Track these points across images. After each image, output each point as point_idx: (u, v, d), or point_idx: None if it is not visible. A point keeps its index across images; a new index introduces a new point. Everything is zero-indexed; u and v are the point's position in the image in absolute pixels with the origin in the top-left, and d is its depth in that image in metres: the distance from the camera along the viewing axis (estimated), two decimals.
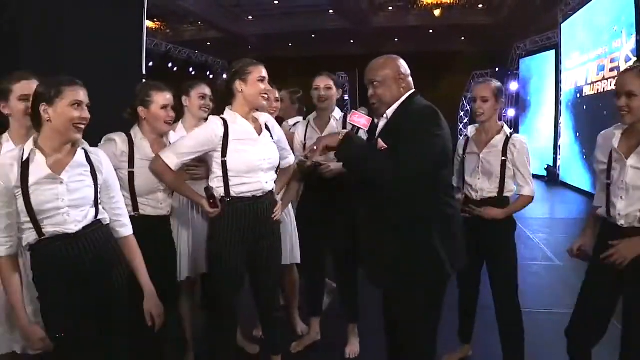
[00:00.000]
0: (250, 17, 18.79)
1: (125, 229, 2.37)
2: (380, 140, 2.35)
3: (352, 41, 21.21)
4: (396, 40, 20.95)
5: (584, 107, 11.12)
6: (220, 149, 2.71)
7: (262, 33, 19.88)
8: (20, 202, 2.04)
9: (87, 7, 3.73)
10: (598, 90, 10.31)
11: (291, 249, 3.52)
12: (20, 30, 3.18)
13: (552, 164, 13.73)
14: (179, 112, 3.28)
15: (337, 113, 3.54)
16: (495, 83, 3.19)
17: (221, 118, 2.78)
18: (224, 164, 2.71)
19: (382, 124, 2.49)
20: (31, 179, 2.04)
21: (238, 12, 18.03)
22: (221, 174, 2.73)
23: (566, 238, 7.22)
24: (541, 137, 14.55)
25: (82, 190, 2.15)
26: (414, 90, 2.49)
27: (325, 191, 3.35)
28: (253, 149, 2.76)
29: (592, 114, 10.62)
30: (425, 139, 2.24)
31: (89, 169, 2.19)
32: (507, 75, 16.39)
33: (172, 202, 2.91)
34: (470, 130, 3.35)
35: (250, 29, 19.59)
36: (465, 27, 18.23)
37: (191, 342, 3.36)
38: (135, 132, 2.76)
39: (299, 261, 3.60)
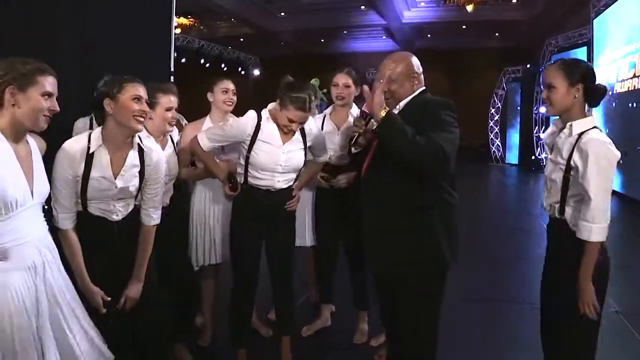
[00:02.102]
0: (282, 14, 18.95)
1: (151, 220, 2.58)
2: None
3: (383, 37, 21.19)
4: (429, 36, 20.86)
5: (614, 104, 10.96)
6: (248, 144, 2.95)
7: (294, 29, 20.04)
8: (79, 188, 2.35)
9: (117, 4, 3.89)
10: (629, 88, 10.14)
11: (308, 232, 3.72)
12: (53, 30, 3.35)
13: None
14: (206, 106, 3.52)
15: (355, 110, 3.65)
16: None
17: (258, 115, 2.99)
18: (247, 158, 2.97)
19: None
20: (92, 173, 2.34)
21: (271, 8, 18.21)
22: (244, 163, 3.00)
23: None
24: None
25: (130, 188, 2.45)
26: (424, 87, 2.60)
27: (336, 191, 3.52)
28: (273, 153, 2.96)
29: (623, 111, 10.47)
30: (452, 128, 2.33)
31: (139, 168, 2.48)
32: (539, 72, 16.13)
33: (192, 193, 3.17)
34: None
35: (282, 25, 19.76)
36: (498, 23, 18.04)
37: (211, 323, 3.62)
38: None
39: (314, 244, 3.76)
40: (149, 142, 2.57)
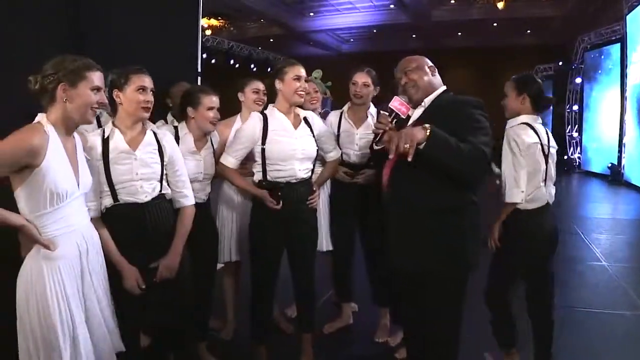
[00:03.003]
0: (311, 14, 19.02)
1: (186, 200, 2.70)
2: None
3: (413, 36, 21.08)
4: (459, 34, 20.69)
5: None
6: (261, 139, 3.02)
7: (324, 29, 20.09)
8: (102, 173, 2.44)
9: (145, 5, 3.99)
10: None
11: (325, 237, 3.72)
12: (80, 30, 3.42)
13: (615, 162, 13.17)
14: (236, 106, 3.60)
15: (373, 110, 3.66)
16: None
17: (262, 113, 3.11)
18: (263, 152, 3.02)
19: (418, 112, 2.57)
20: (111, 154, 2.46)
21: (300, 8, 18.29)
22: (260, 160, 3.04)
23: (625, 239, 7.08)
24: (605, 134, 14.08)
25: (151, 165, 2.54)
26: (445, 87, 2.61)
27: (353, 187, 3.55)
28: (288, 139, 3.04)
29: None
30: (488, 129, 2.35)
31: (157, 147, 2.58)
32: (571, 70, 15.87)
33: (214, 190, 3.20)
34: None
35: (311, 24, 19.85)
36: (529, 19, 17.78)
37: (232, 317, 3.72)
38: (182, 126, 3.09)
39: (331, 248, 3.76)
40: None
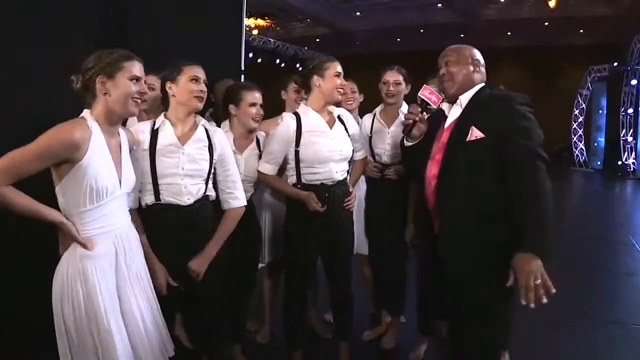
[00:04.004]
0: (358, 13, 18.93)
1: (236, 201, 2.66)
2: (475, 129, 2.23)
3: (462, 35, 20.72)
4: (509, 33, 20.23)
5: None
6: (294, 140, 2.90)
7: (370, 28, 19.98)
8: (147, 163, 2.41)
9: (190, 4, 3.99)
10: None
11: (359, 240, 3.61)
12: (125, 29, 3.46)
13: None
14: (281, 105, 3.56)
15: (405, 108, 3.55)
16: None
17: (294, 113, 2.98)
18: (296, 153, 2.91)
19: (456, 112, 2.41)
20: (159, 145, 2.43)
21: (346, 8, 18.24)
22: (294, 163, 2.93)
23: None
24: None
25: (199, 162, 2.49)
26: (485, 83, 2.43)
27: (386, 184, 3.44)
28: (324, 140, 2.92)
29: None
30: (537, 129, 2.19)
31: (207, 143, 2.53)
32: (627, 71, 15.26)
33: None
34: None
35: (358, 24, 19.75)
36: (582, 18, 17.20)
37: (270, 319, 3.66)
38: (224, 125, 3.03)
39: (366, 253, 3.67)
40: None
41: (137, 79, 2.09)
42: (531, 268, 1.93)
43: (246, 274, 3.08)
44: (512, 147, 2.14)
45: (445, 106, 2.49)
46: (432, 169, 2.40)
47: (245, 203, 2.69)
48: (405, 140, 2.62)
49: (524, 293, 1.93)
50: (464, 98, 2.38)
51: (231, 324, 2.99)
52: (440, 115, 2.52)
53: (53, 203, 1.97)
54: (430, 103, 2.44)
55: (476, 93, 2.37)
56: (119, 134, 2.18)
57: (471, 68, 2.40)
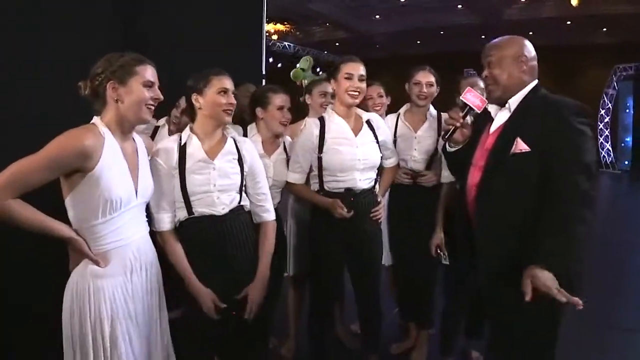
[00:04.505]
0: (377, 16, 18.83)
1: (268, 214, 2.54)
2: (520, 142, 2.06)
3: (482, 36, 20.51)
4: (530, 33, 19.89)
5: None
6: (317, 147, 2.81)
7: (390, 31, 19.84)
8: (177, 182, 2.29)
9: (209, 8, 3.92)
10: None
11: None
12: (144, 32, 3.39)
13: None
14: (303, 110, 3.50)
15: (433, 111, 3.40)
16: None
17: (319, 118, 2.90)
18: (319, 160, 2.81)
19: (503, 116, 2.23)
20: (188, 162, 2.29)
21: (366, 11, 18.14)
22: (317, 170, 2.84)
23: None
24: None
25: (231, 176, 2.37)
26: (537, 81, 2.23)
27: (414, 191, 3.29)
28: (348, 148, 2.81)
29: None
30: (589, 145, 2.00)
31: (237, 156, 2.42)
32: None
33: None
34: None
35: (377, 27, 19.61)
36: (606, 17, 16.87)
37: (295, 332, 3.56)
38: (251, 128, 2.96)
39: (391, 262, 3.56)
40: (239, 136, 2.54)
41: (151, 84, 1.99)
42: (544, 282, 1.85)
43: (271, 285, 2.96)
44: (558, 165, 1.98)
45: (492, 107, 2.31)
46: (474, 176, 2.26)
47: (275, 216, 2.58)
48: (447, 146, 2.46)
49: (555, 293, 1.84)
50: (513, 102, 2.20)
51: (254, 336, 2.88)
52: (487, 117, 2.34)
53: (64, 215, 1.86)
54: (474, 107, 2.28)
55: (526, 96, 2.19)
56: (134, 140, 2.06)
57: (517, 67, 2.20)
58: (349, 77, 2.80)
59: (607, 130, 16.85)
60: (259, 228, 2.53)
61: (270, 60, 15.77)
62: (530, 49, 2.23)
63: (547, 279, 1.85)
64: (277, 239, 2.94)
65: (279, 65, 16.55)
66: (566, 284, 1.92)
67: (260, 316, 2.84)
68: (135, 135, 2.09)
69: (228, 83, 2.35)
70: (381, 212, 2.99)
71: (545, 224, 1.95)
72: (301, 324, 3.50)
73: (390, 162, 3.14)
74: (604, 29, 18.80)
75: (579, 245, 1.95)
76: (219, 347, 2.49)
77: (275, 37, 18.24)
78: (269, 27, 18.09)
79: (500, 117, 2.25)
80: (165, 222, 2.29)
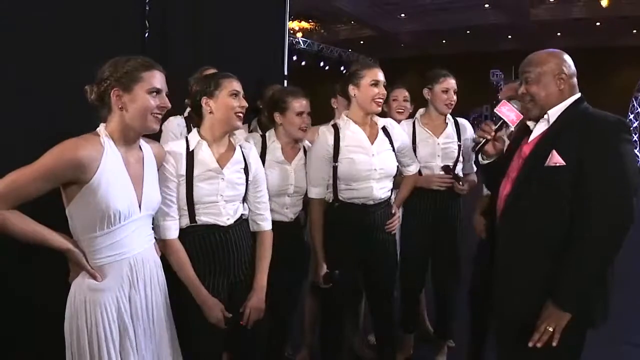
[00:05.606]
0: (403, 15, 18.71)
1: (266, 223, 2.46)
2: (555, 154, 1.96)
3: (509, 37, 20.27)
4: (558, 34, 19.66)
5: None
6: (332, 155, 2.72)
7: (415, 30, 19.70)
8: (182, 190, 2.18)
9: (232, 7, 3.92)
10: None
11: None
12: (169, 30, 3.38)
13: None
14: (325, 109, 3.40)
15: (449, 115, 3.28)
16: None
17: (333, 125, 2.80)
18: (334, 170, 2.71)
19: (541, 127, 2.11)
20: (196, 170, 2.20)
21: (391, 9, 18.03)
22: (332, 180, 2.74)
23: None
24: None
25: (237, 187, 2.30)
26: (580, 95, 2.11)
27: (434, 197, 3.19)
28: (363, 157, 2.71)
29: None
30: (633, 165, 1.89)
31: (244, 165, 2.34)
32: None
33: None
34: None
35: (403, 26, 19.49)
36: (636, 18, 16.54)
37: (310, 341, 3.49)
38: (270, 134, 2.80)
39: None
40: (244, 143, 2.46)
41: (158, 91, 1.86)
42: (554, 320, 1.88)
43: (290, 296, 2.90)
44: (593, 184, 1.89)
45: (530, 122, 2.20)
46: (506, 188, 2.18)
47: (271, 225, 2.49)
48: (481, 158, 2.36)
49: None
50: (552, 114, 2.07)
51: (270, 345, 2.85)
52: (524, 128, 2.24)
53: (66, 223, 1.80)
54: (508, 122, 2.18)
55: (567, 109, 2.08)
56: (140, 148, 1.96)
57: (556, 85, 2.08)
58: (376, 84, 2.68)
59: (635, 135, 16.51)
60: (254, 236, 2.46)
61: (294, 58, 15.74)
62: (569, 64, 2.12)
63: (564, 321, 1.88)
64: (299, 249, 2.89)
65: (303, 63, 16.51)
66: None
67: (278, 325, 2.83)
68: (143, 143, 1.99)
69: (238, 85, 2.27)
70: (396, 223, 2.91)
71: (571, 257, 1.90)
72: (317, 333, 3.41)
73: (411, 170, 3.01)
74: (634, 31, 18.46)
75: (602, 282, 1.95)
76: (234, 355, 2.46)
77: (299, 34, 18.25)
78: (293, 24, 18.11)
79: (539, 128, 2.14)
80: (172, 229, 2.18)
